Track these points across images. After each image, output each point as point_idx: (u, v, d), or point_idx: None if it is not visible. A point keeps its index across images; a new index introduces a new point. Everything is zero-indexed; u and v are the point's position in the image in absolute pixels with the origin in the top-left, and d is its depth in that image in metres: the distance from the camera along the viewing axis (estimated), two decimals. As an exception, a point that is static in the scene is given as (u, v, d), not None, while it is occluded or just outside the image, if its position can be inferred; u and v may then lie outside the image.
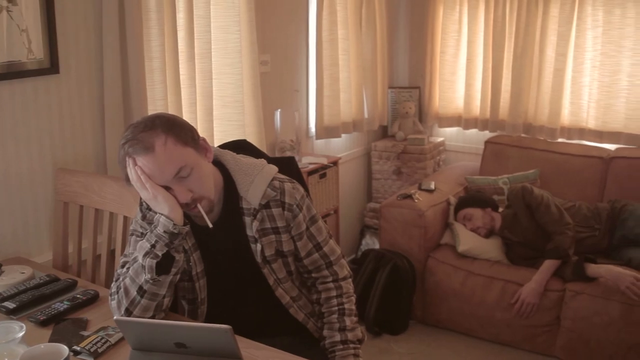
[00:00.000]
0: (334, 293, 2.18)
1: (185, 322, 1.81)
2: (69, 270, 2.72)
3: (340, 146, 4.67)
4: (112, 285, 2.06)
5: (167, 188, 1.92)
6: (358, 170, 4.96)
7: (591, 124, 4.41)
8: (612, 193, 4.07)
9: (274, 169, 2.11)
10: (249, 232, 2.06)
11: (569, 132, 4.49)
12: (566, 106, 4.47)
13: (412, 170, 4.74)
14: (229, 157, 2.11)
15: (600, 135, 4.38)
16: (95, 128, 2.95)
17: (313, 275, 2.20)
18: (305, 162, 3.94)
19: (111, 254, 2.67)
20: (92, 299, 2.22)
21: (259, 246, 2.06)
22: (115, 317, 1.83)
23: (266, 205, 2.05)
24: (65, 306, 2.14)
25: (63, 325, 2.04)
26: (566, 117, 4.49)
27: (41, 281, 2.33)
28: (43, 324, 2.04)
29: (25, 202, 2.74)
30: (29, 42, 2.68)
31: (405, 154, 4.75)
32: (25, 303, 2.16)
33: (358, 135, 4.84)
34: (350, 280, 2.24)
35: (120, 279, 2.01)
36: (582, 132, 4.45)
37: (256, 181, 2.05)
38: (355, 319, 2.17)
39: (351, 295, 2.21)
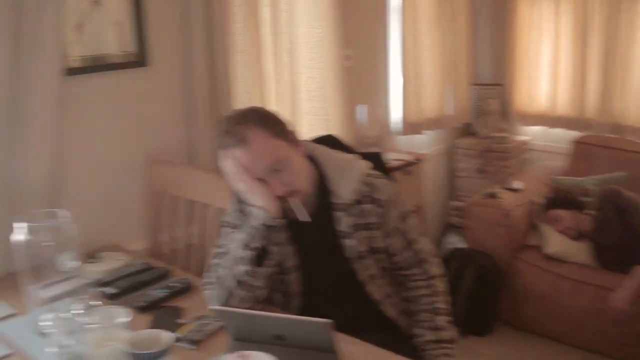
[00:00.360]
0: (425, 291, 2.15)
1: (285, 315, 1.82)
2: (162, 258, 2.77)
3: (422, 143, 4.64)
4: (206, 275, 2.09)
5: (262, 181, 1.93)
6: (441, 168, 4.91)
7: (684, 124, 4.26)
8: None
9: (365, 164, 2.10)
10: (340, 227, 2.05)
11: (661, 133, 4.34)
12: (657, 106, 4.32)
13: (496, 169, 4.66)
14: (321, 151, 2.11)
15: (694, 136, 4.23)
16: (184, 120, 3.01)
17: (404, 272, 2.18)
18: (389, 158, 3.92)
19: (203, 244, 2.71)
20: (186, 288, 2.26)
21: (350, 242, 2.05)
22: (213, 307, 1.86)
23: (358, 201, 2.04)
24: (164, 293, 2.18)
25: (161, 313, 2.08)
26: (658, 117, 4.34)
27: (137, 268, 2.39)
28: (142, 310, 2.09)
29: (120, 192, 2.82)
30: (120, 35, 2.75)
31: (489, 152, 4.69)
32: (124, 289, 2.22)
33: (440, 132, 4.80)
34: (442, 278, 2.21)
35: (216, 269, 2.03)
36: (675, 133, 4.30)
37: (348, 176, 2.05)
38: (447, 318, 2.14)
39: (443, 294, 2.18)
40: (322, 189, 2.06)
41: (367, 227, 2.06)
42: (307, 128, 3.49)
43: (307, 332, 1.71)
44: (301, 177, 1.99)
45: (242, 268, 1.94)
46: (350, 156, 2.12)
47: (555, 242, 3.82)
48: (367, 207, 2.05)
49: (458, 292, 3.84)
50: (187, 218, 2.74)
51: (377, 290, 2.13)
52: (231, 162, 1.92)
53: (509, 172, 4.62)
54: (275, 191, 1.93)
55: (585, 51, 4.48)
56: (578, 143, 4.47)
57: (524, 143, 4.91)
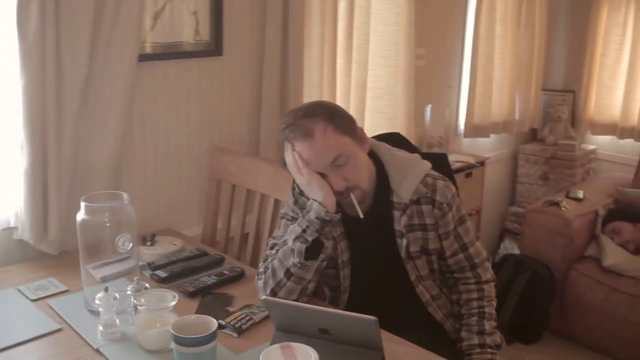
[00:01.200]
0: (475, 295, 2.14)
1: (331, 309, 1.83)
2: (216, 245, 2.80)
3: (487, 146, 4.59)
4: (259, 265, 2.11)
5: (322, 175, 1.95)
6: (503, 172, 4.86)
7: None
8: None
9: (427, 165, 2.10)
10: (396, 227, 2.05)
11: None
12: None
13: (560, 177, 4.59)
14: (384, 149, 2.11)
15: None
16: (251, 110, 3.03)
17: (455, 275, 2.17)
18: (451, 159, 3.87)
19: (258, 234, 2.73)
20: (238, 277, 2.27)
21: (404, 241, 2.05)
22: (263, 297, 1.88)
23: (416, 201, 2.04)
24: (213, 281, 2.20)
25: (209, 299, 2.10)
26: None
27: (191, 254, 2.41)
28: (191, 295, 2.12)
29: (181, 177, 2.86)
30: (197, 24, 2.78)
31: (554, 160, 4.61)
32: (175, 273, 2.25)
33: (506, 136, 4.74)
34: (492, 284, 2.20)
35: (269, 260, 2.05)
36: None
37: (409, 176, 2.04)
38: (494, 323, 2.13)
39: (492, 300, 2.16)
40: (382, 187, 2.06)
41: (422, 228, 2.06)
42: (372, 125, 3.48)
43: (353, 328, 1.71)
44: (362, 174, 2.00)
45: (293, 260, 1.96)
46: (413, 156, 2.12)
47: (614, 254, 3.74)
48: (426, 208, 2.05)
49: (508, 298, 3.79)
50: (244, 207, 2.76)
51: (426, 291, 2.14)
52: (294, 154, 1.94)
53: (573, 181, 4.55)
54: (335, 186, 1.95)
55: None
56: (648, 155, 4.37)
57: (591, 152, 4.83)
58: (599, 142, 4.91)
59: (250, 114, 3.03)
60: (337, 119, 1.95)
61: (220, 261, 2.40)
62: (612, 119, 4.73)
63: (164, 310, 1.80)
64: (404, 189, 2.03)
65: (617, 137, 4.73)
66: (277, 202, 2.58)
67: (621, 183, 4.39)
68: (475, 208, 4.08)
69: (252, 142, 3.05)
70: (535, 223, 3.95)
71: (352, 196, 1.97)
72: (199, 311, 1.98)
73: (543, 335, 3.93)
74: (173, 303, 1.80)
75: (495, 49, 4.28)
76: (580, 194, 4.08)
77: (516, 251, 4.21)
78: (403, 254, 2.07)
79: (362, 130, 2.03)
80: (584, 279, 3.78)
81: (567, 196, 4.07)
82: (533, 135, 4.97)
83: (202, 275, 2.26)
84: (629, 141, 4.68)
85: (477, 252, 2.16)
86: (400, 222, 2.04)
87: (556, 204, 3.93)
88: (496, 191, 4.78)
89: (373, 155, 2.08)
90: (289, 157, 1.97)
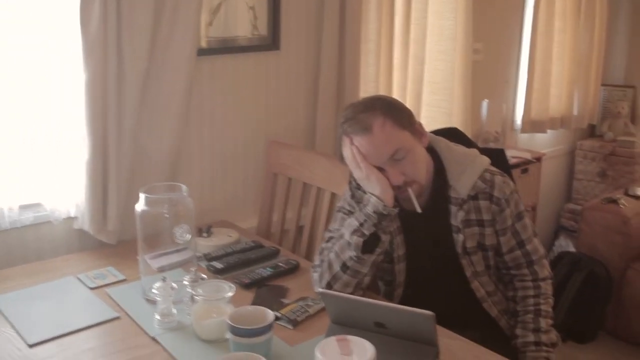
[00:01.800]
0: (531, 292, 2.12)
1: (388, 303, 1.82)
2: (271, 238, 2.82)
3: (544, 142, 4.53)
4: (315, 257, 2.12)
5: (380, 169, 1.94)
6: (560, 168, 4.78)
7: None
8: None
9: (486, 160, 2.08)
10: (453, 222, 2.04)
11: None
12: None
13: (619, 174, 4.50)
14: (442, 144, 2.10)
15: None
16: (308, 104, 3.05)
17: (512, 272, 2.15)
18: (508, 155, 3.84)
19: (314, 227, 2.73)
20: (293, 269, 2.28)
21: (460, 236, 2.04)
22: (319, 290, 1.89)
23: (474, 197, 2.03)
24: (268, 272, 2.22)
25: (264, 291, 2.12)
26: None
27: (247, 246, 2.44)
28: (246, 286, 2.13)
29: (237, 169, 2.88)
30: (255, 19, 2.80)
31: (612, 156, 4.53)
32: (231, 265, 2.28)
33: (563, 132, 4.67)
34: (549, 281, 2.17)
35: (325, 253, 2.05)
36: None
37: (467, 171, 2.03)
38: (550, 321, 2.10)
39: (549, 297, 2.14)
40: (440, 181, 2.05)
41: (479, 223, 2.05)
42: (428, 120, 3.45)
43: (409, 323, 1.70)
44: (420, 169, 1.99)
45: (350, 253, 1.96)
46: (471, 151, 2.11)
47: (674, 254, 3.66)
48: (483, 203, 2.04)
49: (563, 297, 3.74)
50: (300, 200, 2.77)
51: (481, 287, 2.12)
52: (352, 148, 1.94)
53: (632, 178, 4.45)
54: (393, 180, 1.94)
55: None
56: None
57: (651, 149, 4.71)
58: (660, 139, 4.79)
59: (307, 108, 3.05)
60: (396, 114, 1.95)
61: (275, 253, 2.41)
62: (675, 116, 4.62)
63: (220, 301, 1.82)
64: (462, 184, 2.02)
65: (679, 134, 4.62)
66: (333, 196, 2.58)
67: (683, 181, 4.30)
68: (531, 204, 4.03)
69: (308, 135, 3.06)
70: (592, 220, 3.89)
71: (410, 191, 1.96)
72: (255, 302, 2.00)
73: (598, 334, 3.87)
74: (230, 294, 1.82)
75: (554, 43, 4.21)
76: (640, 192, 4.01)
77: (571, 249, 4.15)
78: (459, 249, 2.05)
79: (420, 124, 2.03)
80: (643, 279, 3.71)
81: (626, 194, 4.01)
82: (591, 131, 4.89)
83: (257, 267, 2.28)
84: (691, 138, 4.57)
85: (535, 249, 2.13)
86: (457, 217, 2.03)
87: (614, 201, 3.86)
88: (552, 188, 4.72)
89: (431, 149, 2.08)
90: (347, 151, 1.97)
